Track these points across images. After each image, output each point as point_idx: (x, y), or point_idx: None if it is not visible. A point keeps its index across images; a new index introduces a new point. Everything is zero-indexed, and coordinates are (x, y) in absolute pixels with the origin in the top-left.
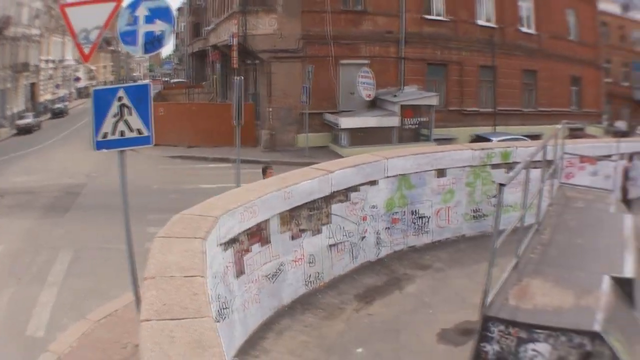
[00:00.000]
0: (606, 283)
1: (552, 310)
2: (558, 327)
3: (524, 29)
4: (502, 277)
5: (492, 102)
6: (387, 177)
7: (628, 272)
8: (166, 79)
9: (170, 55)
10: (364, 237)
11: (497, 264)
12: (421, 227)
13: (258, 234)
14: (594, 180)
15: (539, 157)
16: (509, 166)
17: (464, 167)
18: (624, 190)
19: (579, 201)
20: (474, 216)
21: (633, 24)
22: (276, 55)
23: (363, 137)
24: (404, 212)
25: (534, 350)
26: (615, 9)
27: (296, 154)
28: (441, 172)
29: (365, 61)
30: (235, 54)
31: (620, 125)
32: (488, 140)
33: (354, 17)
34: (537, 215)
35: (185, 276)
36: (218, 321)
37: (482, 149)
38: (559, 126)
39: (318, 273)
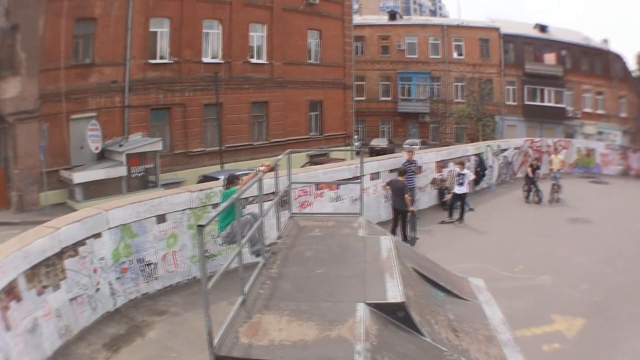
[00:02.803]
0: (362, 311)
1: (291, 345)
2: None
3: (254, 60)
4: (229, 316)
5: (218, 140)
6: (110, 228)
7: (394, 296)
8: None
9: None
10: (98, 288)
11: (232, 303)
12: (150, 274)
13: (12, 291)
14: (338, 205)
15: (255, 191)
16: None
17: (184, 210)
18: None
19: (316, 230)
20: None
21: (403, 30)
22: (19, 117)
23: (95, 190)
24: (131, 260)
25: None
26: (381, 19)
27: (40, 213)
28: (161, 218)
29: (93, 114)
30: None
31: (379, 142)
32: (216, 179)
33: (83, 71)
34: (262, 249)
35: None
36: None
37: (201, 190)
38: (279, 157)
39: (66, 326)
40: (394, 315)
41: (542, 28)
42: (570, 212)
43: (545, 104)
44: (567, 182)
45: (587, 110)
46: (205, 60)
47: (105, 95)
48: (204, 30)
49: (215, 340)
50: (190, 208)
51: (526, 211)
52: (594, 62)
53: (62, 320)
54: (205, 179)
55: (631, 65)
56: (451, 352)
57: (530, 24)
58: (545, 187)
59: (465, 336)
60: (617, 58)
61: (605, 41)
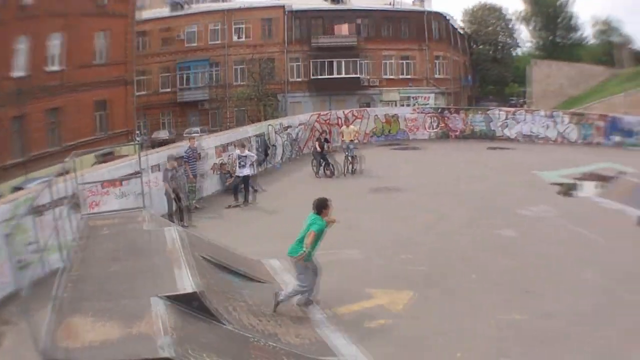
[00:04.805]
0: (158, 305)
1: (99, 345)
2: None
3: (51, 68)
4: (45, 322)
5: (21, 150)
6: None
7: (185, 287)
8: None
9: None
10: None
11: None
12: None
13: None
14: (124, 202)
15: (47, 198)
16: (38, 210)
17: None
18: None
19: (104, 228)
20: (20, 267)
21: (185, 20)
22: None
23: None
24: None
25: None
26: (164, 11)
27: None
28: None
29: None
30: None
31: (161, 134)
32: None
33: None
34: (61, 253)
35: None
36: None
37: (10, 201)
38: (66, 159)
39: None
40: (190, 305)
41: None
42: (372, 182)
43: (335, 76)
44: (367, 152)
45: (390, 76)
46: (13, 75)
47: None
48: (16, 47)
49: (41, 347)
50: (5, 220)
51: (318, 186)
52: (400, 26)
53: None
54: (16, 190)
55: (458, 23)
56: (258, 337)
57: None
58: (340, 160)
59: (270, 320)
60: (437, 17)
61: (420, 2)
